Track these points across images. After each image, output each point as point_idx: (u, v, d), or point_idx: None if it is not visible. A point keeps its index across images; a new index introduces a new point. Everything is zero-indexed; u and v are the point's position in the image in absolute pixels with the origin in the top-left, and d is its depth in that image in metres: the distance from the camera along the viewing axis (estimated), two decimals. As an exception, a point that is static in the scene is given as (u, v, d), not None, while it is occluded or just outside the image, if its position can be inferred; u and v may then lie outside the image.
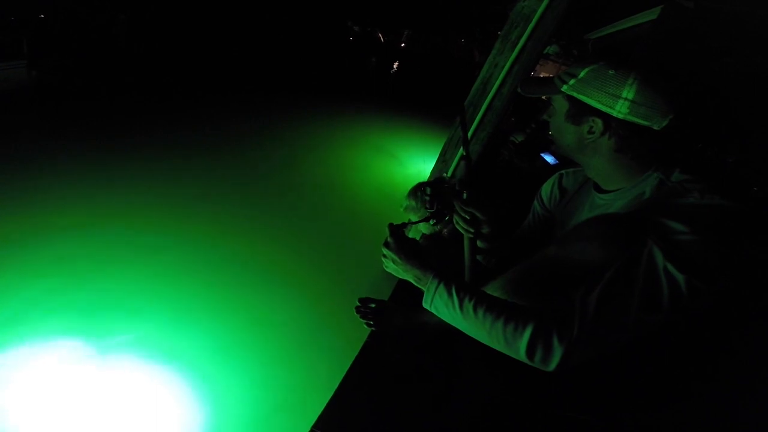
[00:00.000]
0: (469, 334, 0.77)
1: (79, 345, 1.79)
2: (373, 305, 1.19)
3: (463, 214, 0.96)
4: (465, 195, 0.96)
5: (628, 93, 0.73)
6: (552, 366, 0.66)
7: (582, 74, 0.79)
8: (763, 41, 2.30)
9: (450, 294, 0.77)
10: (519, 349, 0.68)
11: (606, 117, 0.77)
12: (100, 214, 2.72)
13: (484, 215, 0.96)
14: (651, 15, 3.08)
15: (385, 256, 0.92)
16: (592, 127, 0.79)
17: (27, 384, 1.60)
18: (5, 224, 2.45)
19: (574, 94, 0.79)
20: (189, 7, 9.83)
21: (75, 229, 2.53)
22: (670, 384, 0.99)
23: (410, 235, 1.25)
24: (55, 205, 2.73)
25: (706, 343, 1.02)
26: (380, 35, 18.07)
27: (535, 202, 1.12)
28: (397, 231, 0.92)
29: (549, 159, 3.26)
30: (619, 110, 0.74)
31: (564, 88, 0.81)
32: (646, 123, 0.74)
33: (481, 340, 0.75)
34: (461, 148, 1.13)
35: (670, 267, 0.63)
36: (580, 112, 0.80)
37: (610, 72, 0.75)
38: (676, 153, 0.80)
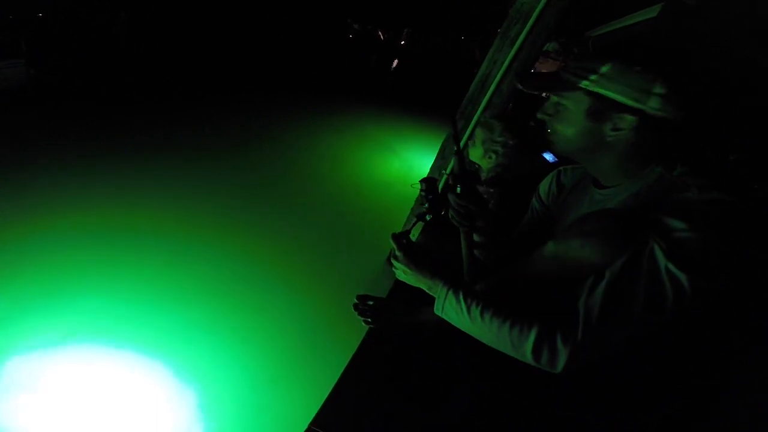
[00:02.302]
0: (480, 339, 0.79)
1: (76, 346, 1.79)
2: (371, 303, 1.19)
3: (457, 208, 0.96)
4: (458, 189, 0.96)
5: (659, 88, 0.71)
6: (559, 368, 0.68)
7: (605, 69, 0.75)
8: (763, 41, 2.30)
9: (458, 300, 0.80)
10: (525, 352, 0.70)
11: (637, 113, 0.74)
12: (100, 215, 2.73)
13: (478, 208, 0.96)
14: (651, 13, 3.07)
15: (395, 267, 0.94)
16: (617, 123, 0.76)
17: (26, 385, 1.60)
18: (3, 225, 2.45)
19: (600, 90, 0.75)
20: (189, 6, 9.82)
21: (74, 229, 2.53)
22: (670, 384, 0.98)
23: (415, 234, 1.24)
24: (54, 206, 2.73)
25: (706, 343, 1.01)
26: (380, 33, 18.03)
27: (534, 199, 1.12)
28: (402, 240, 0.93)
29: (549, 157, 3.25)
30: (651, 105, 0.72)
31: (584, 83, 0.77)
32: (671, 117, 0.72)
33: (491, 345, 0.77)
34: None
35: (671, 266, 0.63)
36: (604, 108, 0.76)
37: (636, 67, 0.73)
38: (677, 152, 0.79)
